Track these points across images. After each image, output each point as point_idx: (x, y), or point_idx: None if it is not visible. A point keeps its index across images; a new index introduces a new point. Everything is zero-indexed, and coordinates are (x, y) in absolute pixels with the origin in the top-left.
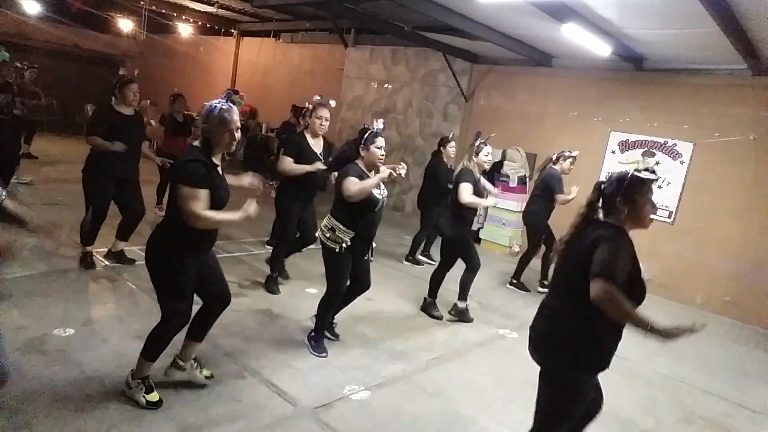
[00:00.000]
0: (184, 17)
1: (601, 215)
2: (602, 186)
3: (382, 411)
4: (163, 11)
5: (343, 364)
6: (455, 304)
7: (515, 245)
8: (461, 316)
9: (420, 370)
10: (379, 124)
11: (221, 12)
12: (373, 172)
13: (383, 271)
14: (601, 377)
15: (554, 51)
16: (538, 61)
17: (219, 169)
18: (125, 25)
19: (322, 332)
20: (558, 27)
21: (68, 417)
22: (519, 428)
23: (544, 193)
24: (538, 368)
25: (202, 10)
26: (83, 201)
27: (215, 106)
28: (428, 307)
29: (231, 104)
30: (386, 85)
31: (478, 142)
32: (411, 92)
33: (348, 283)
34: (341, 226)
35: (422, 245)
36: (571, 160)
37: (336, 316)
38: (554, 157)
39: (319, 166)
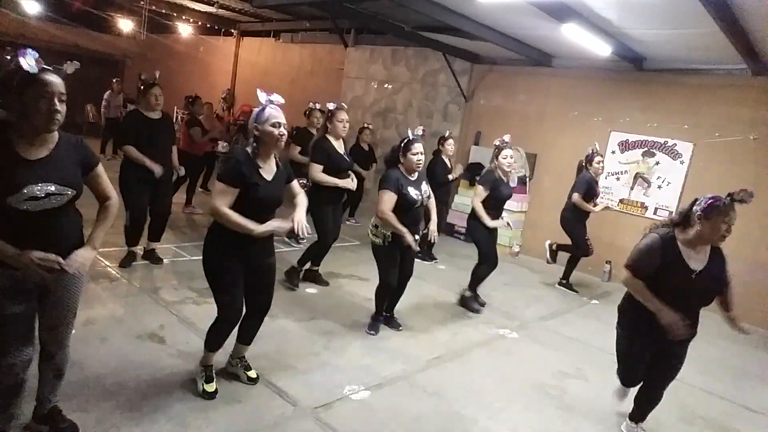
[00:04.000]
0: (184, 17)
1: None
2: (696, 199)
3: (382, 411)
4: (163, 11)
5: (343, 364)
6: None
7: (515, 245)
8: (465, 304)
9: (420, 370)
10: (418, 130)
11: (221, 12)
12: (415, 174)
13: None
14: (602, 378)
15: (554, 51)
16: (538, 61)
17: (264, 171)
18: (125, 25)
19: (376, 316)
20: (558, 27)
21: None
22: (519, 428)
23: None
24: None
25: (202, 10)
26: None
27: (264, 108)
28: (467, 301)
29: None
30: (386, 85)
31: (497, 146)
32: (411, 92)
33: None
34: (382, 223)
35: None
36: (598, 158)
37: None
38: (584, 163)
39: (350, 185)
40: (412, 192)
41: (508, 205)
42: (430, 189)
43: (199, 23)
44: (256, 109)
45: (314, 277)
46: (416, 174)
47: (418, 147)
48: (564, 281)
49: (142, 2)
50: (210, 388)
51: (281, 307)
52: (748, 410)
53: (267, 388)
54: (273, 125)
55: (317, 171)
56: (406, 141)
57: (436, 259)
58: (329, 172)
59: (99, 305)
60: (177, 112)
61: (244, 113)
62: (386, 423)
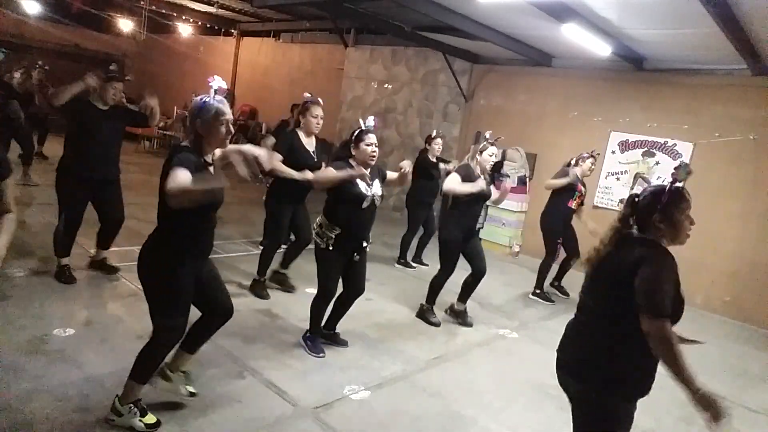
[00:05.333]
0: (184, 17)
1: (635, 230)
2: (636, 200)
3: (382, 411)
4: (163, 11)
5: (343, 364)
6: (452, 305)
7: (515, 245)
8: (458, 317)
9: (420, 370)
10: (369, 121)
11: (221, 12)
12: (368, 169)
13: (384, 270)
14: None
15: (554, 51)
16: (538, 61)
17: (211, 168)
18: (125, 25)
19: (317, 333)
20: (558, 27)
21: (68, 417)
22: (519, 428)
23: (558, 193)
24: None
25: (202, 10)
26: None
27: (206, 100)
28: (425, 313)
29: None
30: (386, 85)
31: (483, 142)
32: (411, 92)
33: (344, 285)
34: (327, 222)
35: (415, 249)
36: (591, 160)
37: (338, 324)
38: (573, 161)
39: (308, 175)
40: (361, 185)
41: (507, 204)
42: (382, 190)
43: (199, 23)
44: (199, 100)
45: (281, 280)
46: (369, 168)
47: (372, 138)
48: (538, 290)
49: (142, 2)
50: (151, 419)
51: (281, 308)
52: (748, 410)
53: (267, 388)
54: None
55: (275, 160)
56: (358, 131)
57: (426, 264)
58: (292, 168)
59: (99, 305)
60: (177, 113)
61: (243, 113)
62: (386, 423)
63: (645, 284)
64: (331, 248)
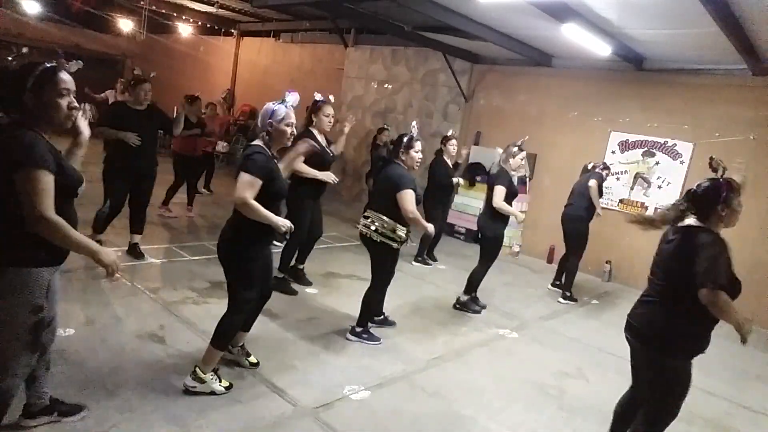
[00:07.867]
0: (184, 17)
1: (691, 221)
2: (694, 194)
3: (382, 411)
4: (163, 11)
5: (343, 364)
6: (458, 298)
7: (515, 245)
8: (465, 307)
9: (420, 370)
10: (414, 129)
11: (221, 12)
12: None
13: None
14: (602, 378)
15: (554, 51)
16: (538, 61)
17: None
18: (125, 25)
19: (367, 323)
20: (558, 27)
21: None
22: (519, 428)
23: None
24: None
25: (202, 10)
26: (84, 200)
27: (275, 108)
28: (467, 304)
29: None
30: (386, 85)
31: (514, 148)
32: (411, 92)
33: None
34: (399, 225)
35: (426, 248)
36: (606, 172)
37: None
38: (590, 166)
39: (330, 178)
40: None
41: None
42: None
43: (199, 23)
44: (271, 106)
45: (297, 276)
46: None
47: (420, 145)
48: (568, 293)
49: (142, 2)
50: (226, 383)
51: (281, 308)
52: (748, 410)
53: (267, 388)
54: (287, 124)
55: (299, 162)
56: (408, 138)
57: (436, 260)
58: (312, 166)
59: (99, 305)
60: (177, 112)
61: (243, 113)
62: (386, 423)
63: (704, 263)
64: (397, 248)
